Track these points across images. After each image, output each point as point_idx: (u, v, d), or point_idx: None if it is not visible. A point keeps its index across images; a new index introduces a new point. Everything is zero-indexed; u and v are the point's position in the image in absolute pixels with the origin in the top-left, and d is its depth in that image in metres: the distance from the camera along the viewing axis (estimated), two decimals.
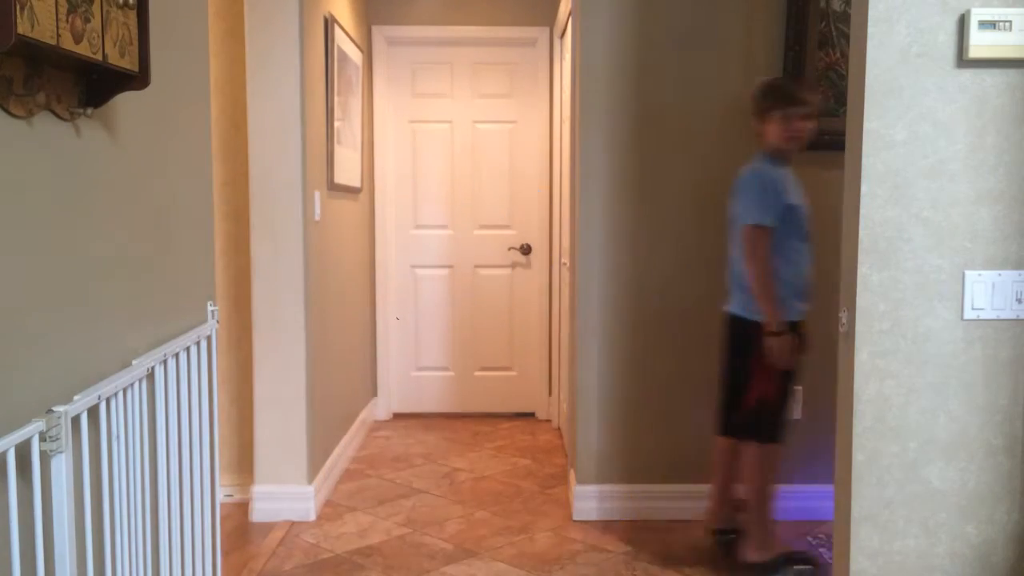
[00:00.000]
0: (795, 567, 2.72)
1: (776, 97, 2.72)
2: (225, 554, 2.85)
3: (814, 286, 2.82)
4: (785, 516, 3.27)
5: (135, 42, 1.51)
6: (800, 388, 3.27)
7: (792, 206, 2.68)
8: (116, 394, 1.53)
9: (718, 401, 2.93)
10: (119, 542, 1.55)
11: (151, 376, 1.73)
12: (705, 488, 3.29)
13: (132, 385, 1.60)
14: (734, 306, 2.79)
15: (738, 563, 2.82)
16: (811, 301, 2.81)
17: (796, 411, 3.21)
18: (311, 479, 3.32)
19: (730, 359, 2.84)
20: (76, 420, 1.38)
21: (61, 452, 1.28)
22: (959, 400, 1.75)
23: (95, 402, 1.43)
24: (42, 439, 1.25)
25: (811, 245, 2.79)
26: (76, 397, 1.38)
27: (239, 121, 3.31)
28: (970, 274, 1.73)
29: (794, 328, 2.70)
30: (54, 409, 1.28)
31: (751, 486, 2.80)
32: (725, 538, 2.93)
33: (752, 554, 2.78)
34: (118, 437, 1.54)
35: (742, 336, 2.76)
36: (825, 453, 3.02)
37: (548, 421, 4.81)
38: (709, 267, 3.24)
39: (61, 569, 1.29)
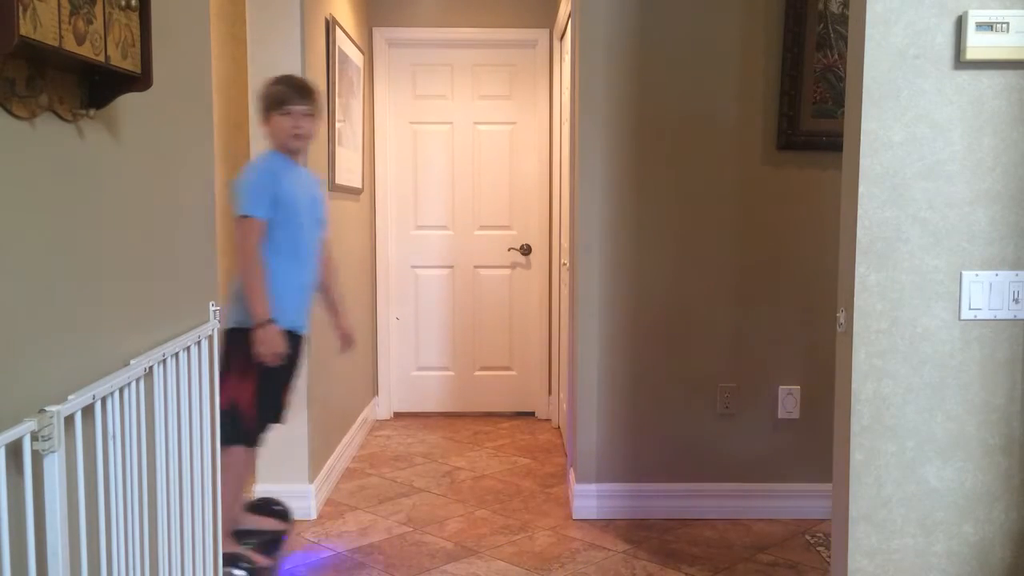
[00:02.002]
0: (234, 570, 2.61)
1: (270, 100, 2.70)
2: None
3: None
4: (784, 515, 3.29)
5: (137, 44, 1.52)
6: (798, 387, 3.28)
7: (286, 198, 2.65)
8: (112, 393, 1.53)
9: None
10: (115, 542, 1.56)
11: (150, 375, 1.73)
12: (705, 487, 3.31)
13: (129, 384, 1.61)
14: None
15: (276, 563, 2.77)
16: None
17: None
18: (312, 478, 3.33)
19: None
20: (71, 420, 1.39)
21: (54, 452, 1.28)
22: (956, 400, 1.76)
23: (90, 401, 1.43)
24: (34, 438, 1.25)
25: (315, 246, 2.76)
26: (70, 396, 1.38)
27: (241, 122, 3.32)
28: (967, 274, 1.74)
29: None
30: (46, 409, 1.28)
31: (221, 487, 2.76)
32: (244, 542, 2.81)
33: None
34: (114, 437, 1.55)
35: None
36: (823, 452, 3.04)
37: (548, 420, 4.82)
38: (708, 267, 3.25)
39: (54, 568, 1.29)
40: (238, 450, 2.67)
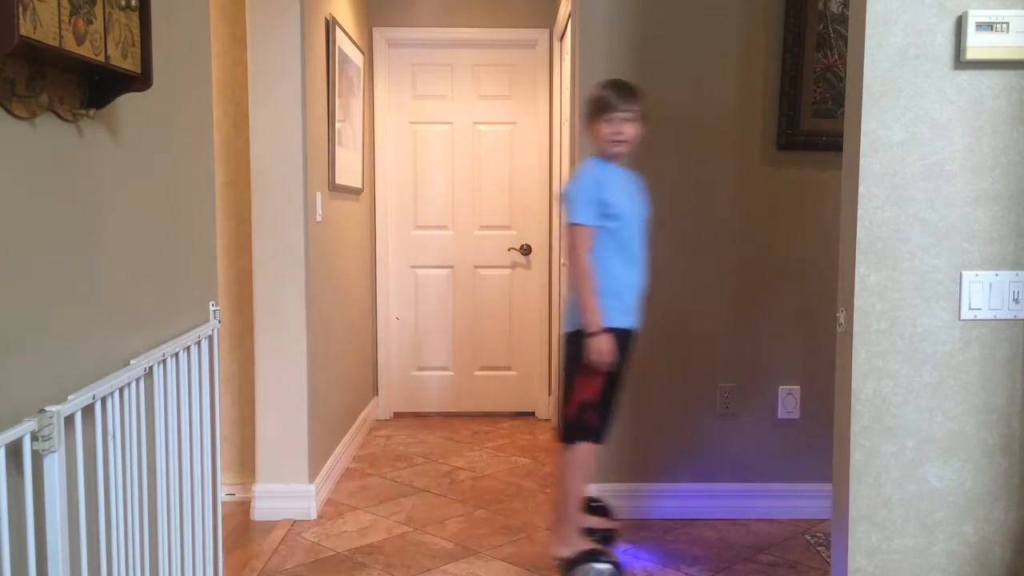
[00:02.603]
0: (596, 565, 2.69)
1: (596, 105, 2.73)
2: (227, 552, 2.86)
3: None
4: (784, 515, 3.29)
5: (137, 44, 1.52)
6: (798, 387, 3.28)
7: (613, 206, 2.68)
8: (112, 393, 1.53)
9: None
10: (115, 542, 1.56)
11: (150, 375, 1.73)
12: (705, 487, 3.31)
13: (129, 384, 1.61)
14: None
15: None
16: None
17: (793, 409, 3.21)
18: (312, 478, 3.33)
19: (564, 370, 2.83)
20: (71, 420, 1.39)
21: (54, 451, 1.28)
22: (956, 399, 1.76)
23: (89, 401, 1.43)
24: (34, 438, 1.25)
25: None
26: (70, 396, 1.38)
27: (241, 122, 3.32)
28: (967, 274, 1.74)
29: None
30: (46, 409, 1.28)
31: (565, 486, 2.79)
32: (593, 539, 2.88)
33: (559, 550, 2.78)
34: (114, 436, 1.55)
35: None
36: (823, 452, 3.04)
37: (548, 420, 4.82)
38: (708, 267, 3.25)
39: (54, 568, 1.29)
40: (587, 447, 2.76)
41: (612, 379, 2.74)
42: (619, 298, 2.72)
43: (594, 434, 2.77)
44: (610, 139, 2.68)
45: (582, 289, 2.66)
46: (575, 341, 2.72)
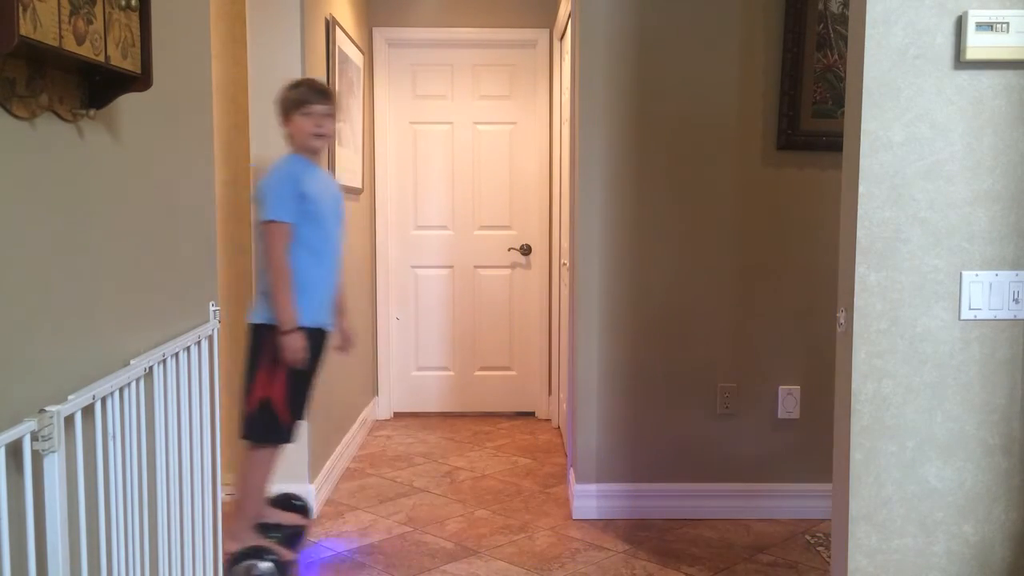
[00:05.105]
0: (258, 562, 2.66)
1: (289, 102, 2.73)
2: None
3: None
4: (784, 515, 3.29)
5: (137, 44, 1.52)
6: (798, 387, 3.28)
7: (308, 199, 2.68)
8: (112, 393, 1.53)
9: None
10: (115, 541, 1.56)
11: (150, 375, 1.73)
12: (705, 487, 3.31)
13: (129, 384, 1.61)
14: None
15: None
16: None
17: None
18: (312, 478, 3.33)
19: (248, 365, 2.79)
20: (71, 420, 1.39)
21: (54, 451, 1.28)
22: (956, 399, 1.76)
23: (89, 401, 1.43)
24: (34, 438, 1.25)
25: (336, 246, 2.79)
26: (70, 396, 1.38)
27: (241, 122, 3.32)
28: (967, 274, 1.74)
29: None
30: (46, 409, 1.29)
31: (245, 483, 2.77)
32: (269, 535, 2.84)
33: (228, 544, 2.73)
34: (114, 436, 1.55)
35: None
36: (823, 452, 3.04)
37: (548, 420, 4.82)
38: (708, 267, 3.25)
39: (54, 567, 1.29)
40: (270, 446, 2.74)
41: (303, 378, 2.73)
42: (313, 296, 2.71)
43: (281, 434, 2.74)
44: (310, 133, 2.68)
45: (278, 287, 2.63)
46: (260, 333, 2.68)
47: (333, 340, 2.96)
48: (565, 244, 4.13)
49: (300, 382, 2.75)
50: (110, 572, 1.54)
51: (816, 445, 3.26)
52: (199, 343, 2.01)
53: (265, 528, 2.80)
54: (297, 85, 2.76)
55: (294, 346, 2.63)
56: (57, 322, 1.41)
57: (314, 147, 2.73)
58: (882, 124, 1.72)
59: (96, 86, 1.49)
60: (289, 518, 2.93)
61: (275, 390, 2.69)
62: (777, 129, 3.21)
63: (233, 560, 2.66)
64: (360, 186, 4.38)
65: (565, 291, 4.08)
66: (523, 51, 4.77)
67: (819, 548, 3.02)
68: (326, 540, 3.10)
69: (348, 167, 4.02)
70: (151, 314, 1.80)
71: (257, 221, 2.74)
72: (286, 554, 2.75)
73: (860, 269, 1.74)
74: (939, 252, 1.74)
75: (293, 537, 2.90)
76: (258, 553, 2.65)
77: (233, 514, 2.79)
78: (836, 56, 3.15)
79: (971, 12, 1.68)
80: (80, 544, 1.41)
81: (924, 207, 1.73)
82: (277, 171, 2.72)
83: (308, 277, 2.70)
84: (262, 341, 2.68)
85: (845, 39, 3.12)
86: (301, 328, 2.64)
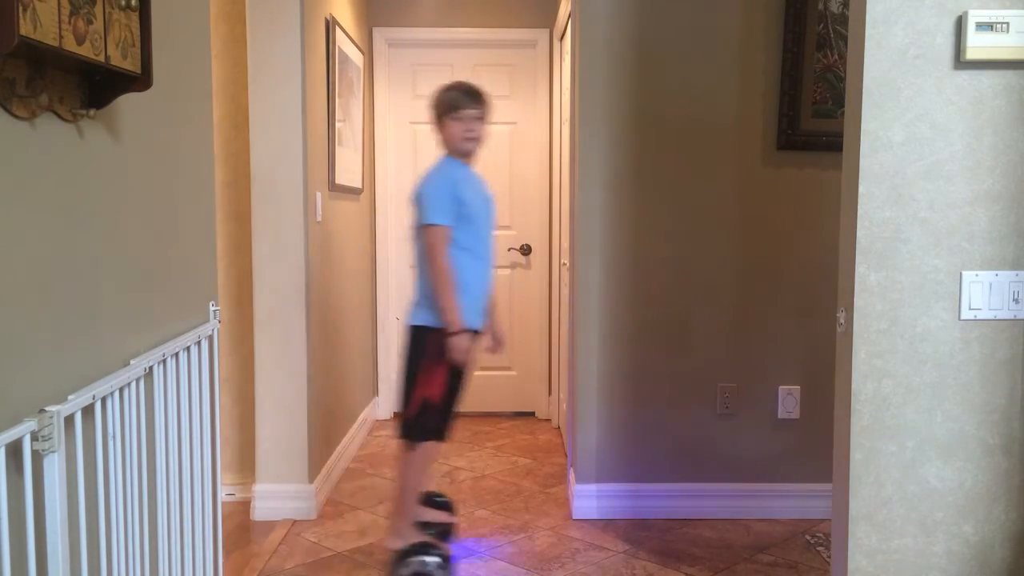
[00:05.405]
0: (425, 557, 2.72)
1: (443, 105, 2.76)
2: (227, 553, 2.86)
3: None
4: (784, 515, 3.29)
5: (137, 44, 1.52)
6: (798, 387, 3.28)
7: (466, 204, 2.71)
8: (112, 393, 1.53)
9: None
10: (115, 542, 1.56)
11: (150, 375, 1.73)
12: (705, 487, 3.31)
13: (129, 384, 1.61)
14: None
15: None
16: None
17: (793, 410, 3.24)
18: (312, 478, 3.33)
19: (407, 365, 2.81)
20: (71, 420, 1.39)
21: (54, 451, 1.28)
22: (956, 399, 1.76)
23: (90, 401, 1.43)
24: (34, 438, 1.25)
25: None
26: (70, 396, 1.38)
27: (241, 122, 3.32)
28: (967, 274, 1.74)
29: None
30: (46, 409, 1.28)
31: (404, 481, 2.81)
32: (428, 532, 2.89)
33: (393, 541, 2.81)
34: (114, 436, 1.55)
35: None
36: (823, 452, 3.04)
37: (548, 420, 4.82)
38: (708, 267, 3.25)
39: (54, 568, 1.29)
40: (430, 444, 2.77)
41: (460, 377, 2.76)
42: (471, 298, 2.73)
43: (438, 433, 2.78)
44: (462, 137, 2.71)
45: (443, 289, 2.65)
46: (421, 335, 2.71)
47: (484, 341, 2.96)
48: (565, 244, 4.13)
49: (457, 382, 2.78)
50: (110, 572, 1.54)
51: (816, 445, 3.26)
52: (199, 343, 2.01)
53: (423, 526, 2.87)
54: (449, 89, 2.78)
55: (461, 347, 2.66)
56: (57, 322, 1.41)
57: (466, 150, 2.75)
58: (882, 124, 1.72)
59: (96, 86, 1.49)
60: (437, 515, 3.00)
61: (434, 390, 2.71)
62: (777, 129, 3.21)
63: (400, 557, 2.72)
64: (360, 186, 4.37)
65: (565, 291, 4.08)
66: (523, 51, 4.76)
67: (819, 548, 3.02)
68: (325, 542, 3.09)
69: (348, 167, 4.01)
70: (151, 314, 1.80)
71: (415, 224, 2.77)
72: (448, 549, 2.82)
73: (860, 269, 1.74)
74: (939, 252, 1.74)
75: (444, 534, 2.97)
76: (424, 549, 2.72)
77: (394, 513, 2.86)
78: (836, 56, 3.15)
79: (971, 12, 1.68)
80: (80, 544, 1.41)
81: (924, 207, 1.73)
82: (434, 175, 2.74)
83: (466, 278, 2.72)
84: (425, 342, 2.70)
85: (845, 39, 3.12)
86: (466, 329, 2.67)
